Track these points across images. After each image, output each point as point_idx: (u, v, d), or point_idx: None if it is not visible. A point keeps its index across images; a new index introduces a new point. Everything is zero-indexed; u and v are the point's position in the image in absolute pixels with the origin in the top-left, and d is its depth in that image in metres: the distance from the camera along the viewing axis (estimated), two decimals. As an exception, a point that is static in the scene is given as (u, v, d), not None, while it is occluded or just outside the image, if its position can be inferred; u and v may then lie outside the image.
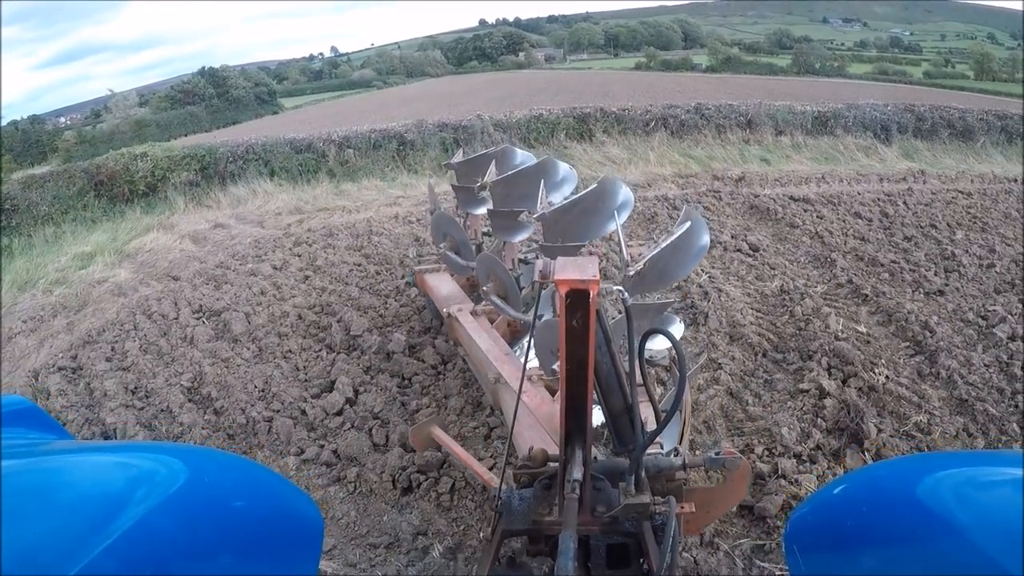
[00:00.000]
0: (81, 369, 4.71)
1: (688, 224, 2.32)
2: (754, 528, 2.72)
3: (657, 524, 1.54)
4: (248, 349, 4.65)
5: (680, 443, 2.14)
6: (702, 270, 5.57)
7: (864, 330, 4.44)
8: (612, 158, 11.17)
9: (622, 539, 1.55)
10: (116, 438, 3.71)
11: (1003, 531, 0.81)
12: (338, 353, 4.44)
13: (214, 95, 44.76)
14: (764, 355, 4.17)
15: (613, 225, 2.56)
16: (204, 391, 4.10)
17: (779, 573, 2.49)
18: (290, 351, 4.55)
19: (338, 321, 4.87)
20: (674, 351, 1.72)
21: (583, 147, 11.67)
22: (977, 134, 12.40)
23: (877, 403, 3.53)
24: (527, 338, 2.58)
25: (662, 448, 1.87)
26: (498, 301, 3.19)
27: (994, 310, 4.70)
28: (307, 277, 6.11)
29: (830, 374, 3.84)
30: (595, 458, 1.70)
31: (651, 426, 1.57)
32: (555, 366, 2.45)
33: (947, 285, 5.27)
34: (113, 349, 4.94)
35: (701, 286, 5.17)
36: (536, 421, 2.43)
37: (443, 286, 4.08)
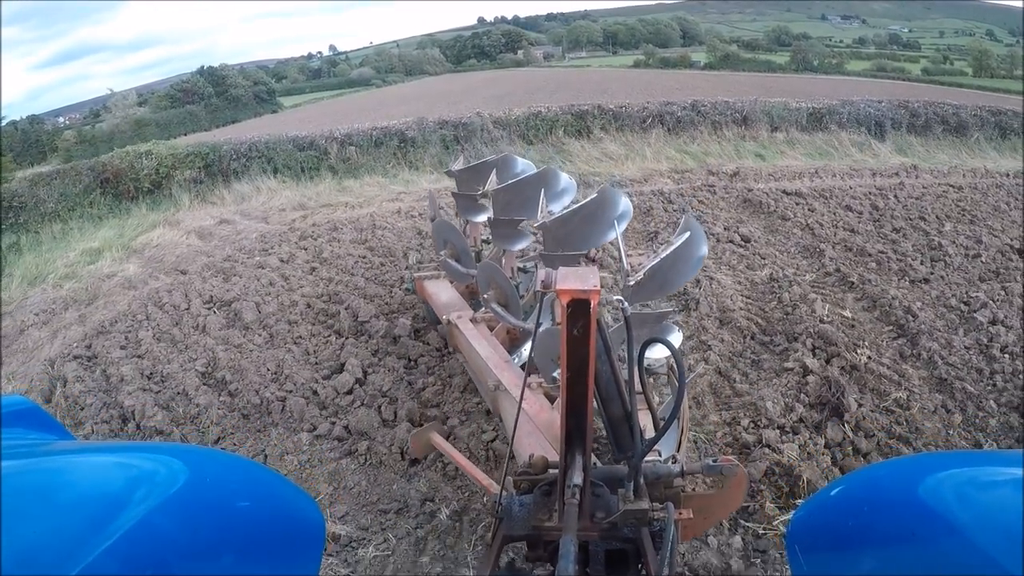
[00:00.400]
0: (96, 357, 4.88)
1: (687, 234, 2.37)
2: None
3: (655, 530, 1.56)
4: (260, 336, 4.83)
5: (678, 450, 2.20)
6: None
7: (849, 315, 4.63)
8: (609, 154, 11.34)
9: (621, 545, 1.56)
10: (135, 419, 3.89)
11: (1004, 531, 0.81)
12: (347, 338, 4.63)
13: (213, 94, 44.83)
14: (752, 337, 4.36)
15: (613, 234, 2.58)
16: (219, 375, 4.28)
17: (761, 531, 2.68)
18: (300, 337, 4.74)
19: (346, 308, 5.05)
20: (672, 360, 1.78)
21: (581, 144, 11.83)
22: (971, 130, 12.54)
23: (859, 381, 3.71)
24: (528, 345, 2.62)
25: (660, 455, 1.92)
26: (499, 309, 3.19)
27: (977, 296, 4.87)
28: (314, 269, 6.29)
29: (814, 354, 4.03)
30: (594, 464, 1.74)
31: (650, 434, 1.59)
32: (555, 373, 2.48)
33: (932, 273, 5.44)
34: (127, 338, 5.12)
35: (694, 275, 5.36)
36: (535, 428, 2.48)
37: (442, 293, 4.15)
